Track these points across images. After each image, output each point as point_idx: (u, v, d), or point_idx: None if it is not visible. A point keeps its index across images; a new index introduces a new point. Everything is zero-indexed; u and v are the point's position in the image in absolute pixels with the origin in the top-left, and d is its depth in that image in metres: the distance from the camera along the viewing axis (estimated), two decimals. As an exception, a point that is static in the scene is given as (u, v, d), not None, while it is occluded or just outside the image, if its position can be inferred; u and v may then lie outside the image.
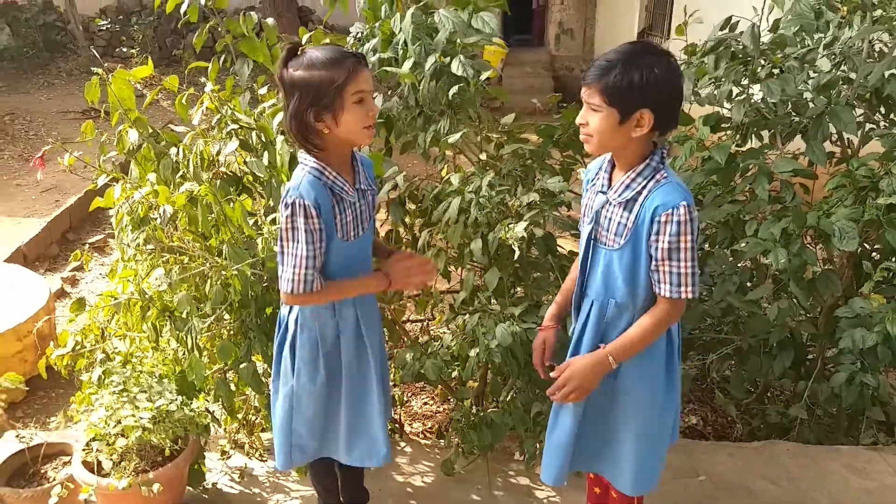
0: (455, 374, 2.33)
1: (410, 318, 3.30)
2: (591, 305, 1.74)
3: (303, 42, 2.29)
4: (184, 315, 2.12)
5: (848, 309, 2.46)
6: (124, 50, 11.17)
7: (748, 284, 2.77)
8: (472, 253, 2.25)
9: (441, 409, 3.39)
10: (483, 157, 2.43)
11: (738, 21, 2.86)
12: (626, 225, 1.62)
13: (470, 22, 2.43)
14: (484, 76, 2.31)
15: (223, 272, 2.02)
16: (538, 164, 2.63)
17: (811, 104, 2.66)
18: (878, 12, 2.68)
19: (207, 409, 2.29)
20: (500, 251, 2.25)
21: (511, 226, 2.02)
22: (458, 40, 2.44)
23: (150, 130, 2.28)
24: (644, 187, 1.59)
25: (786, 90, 2.55)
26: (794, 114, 2.71)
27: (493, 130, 2.74)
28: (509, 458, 2.46)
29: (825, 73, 2.67)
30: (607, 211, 1.67)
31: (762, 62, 2.70)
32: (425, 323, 3.34)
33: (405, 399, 3.24)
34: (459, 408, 2.31)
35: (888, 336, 2.34)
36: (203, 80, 2.35)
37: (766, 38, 2.75)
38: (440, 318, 2.79)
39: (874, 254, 2.65)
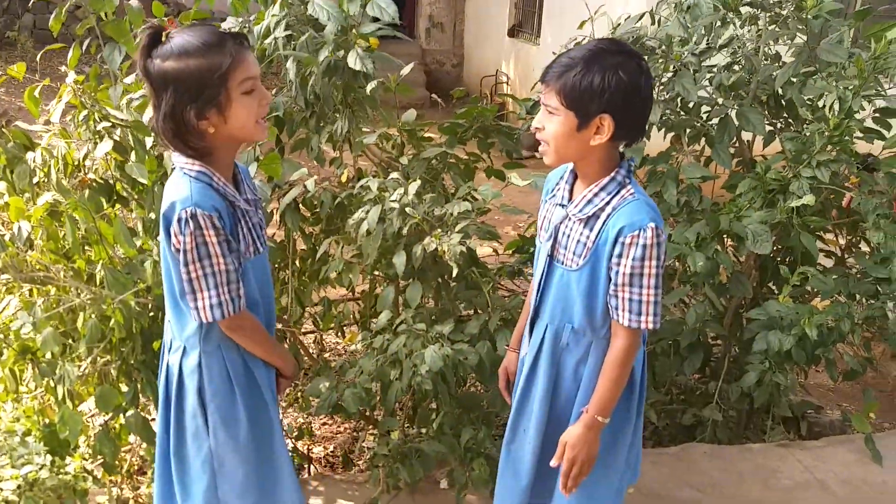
0: (374, 401, 2.10)
1: (305, 332, 3.02)
2: (546, 329, 1.58)
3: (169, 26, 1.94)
4: (48, 357, 1.74)
5: (762, 311, 2.48)
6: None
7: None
8: (394, 266, 2.03)
9: (342, 430, 3.14)
10: (404, 160, 2.20)
11: (643, 13, 2.81)
12: (585, 244, 1.47)
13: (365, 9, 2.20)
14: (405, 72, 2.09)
15: (98, 304, 1.66)
16: (446, 165, 2.45)
17: (715, 105, 2.68)
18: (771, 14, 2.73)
19: (85, 469, 1.91)
20: (423, 264, 2.05)
21: (446, 238, 1.81)
22: (355, 31, 2.21)
23: (-6, 128, 1.85)
24: (608, 203, 1.44)
25: (692, 90, 2.53)
26: (689, 116, 2.72)
27: (394, 129, 2.53)
28: (434, 489, 2.27)
29: (729, 73, 2.69)
30: (566, 227, 1.51)
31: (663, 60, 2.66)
32: (319, 338, 3.06)
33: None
34: (384, 440, 2.08)
35: (802, 337, 2.37)
36: (63, 68, 1.95)
37: (653, 32, 2.72)
38: (352, 336, 2.54)
39: (782, 256, 2.69)
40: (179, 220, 1.36)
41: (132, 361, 1.79)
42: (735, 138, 2.77)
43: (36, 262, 1.74)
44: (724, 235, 2.57)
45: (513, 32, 9.09)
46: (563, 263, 1.53)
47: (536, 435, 1.60)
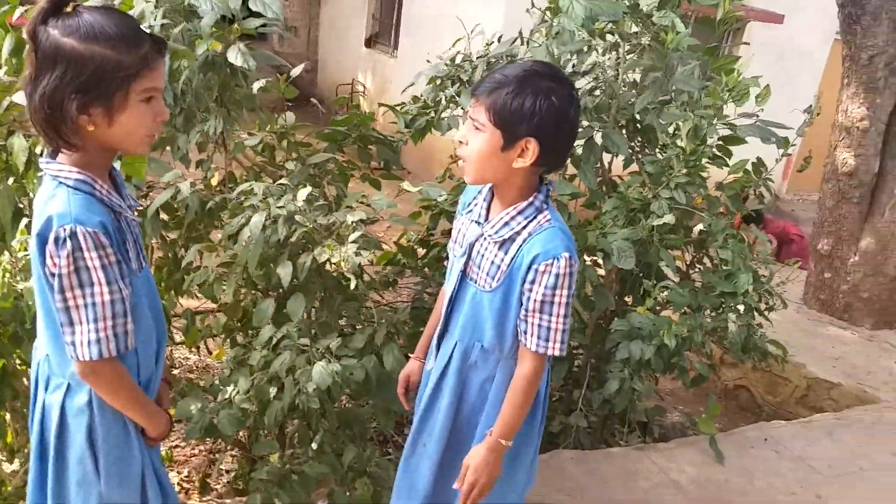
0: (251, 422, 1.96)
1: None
2: (455, 346, 1.56)
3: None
4: None
5: (624, 322, 2.63)
6: None
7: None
8: (274, 277, 1.91)
9: (196, 452, 2.92)
10: (290, 165, 2.09)
11: (520, 34, 2.90)
12: (500, 266, 1.46)
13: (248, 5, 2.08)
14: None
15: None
16: (325, 172, 2.37)
17: (582, 127, 2.81)
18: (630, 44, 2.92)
19: None
20: (308, 276, 1.95)
21: (342, 249, 1.73)
22: (236, 26, 2.08)
23: None
24: (524, 228, 1.43)
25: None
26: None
27: (267, 131, 2.41)
28: (312, 511, 2.16)
29: (592, 97, 2.84)
30: (481, 246, 1.50)
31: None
32: (170, 353, 2.84)
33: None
34: (261, 464, 1.94)
35: (661, 347, 2.54)
36: None
37: (523, 53, 2.83)
38: (220, 352, 2.36)
39: (639, 271, 2.87)
40: (56, 240, 1.17)
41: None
42: (598, 160, 2.93)
43: None
44: (588, 251, 2.70)
45: (370, 43, 9.06)
46: (476, 282, 1.51)
47: (437, 450, 1.57)
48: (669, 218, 2.46)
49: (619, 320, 2.70)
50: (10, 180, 1.65)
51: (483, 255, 1.49)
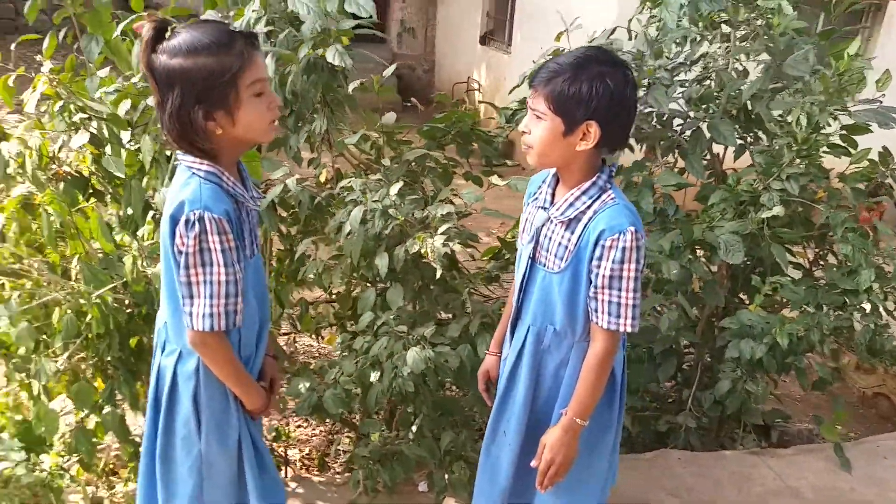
0: (355, 403, 2.08)
1: (284, 333, 2.96)
2: (528, 331, 1.59)
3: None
4: (25, 353, 1.68)
5: (734, 320, 2.53)
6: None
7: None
8: (375, 268, 2.01)
9: (317, 433, 3.10)
10: (386, 161, 2.19)
11: (615, 28, 2.87)
12: (567, 247, 1.49)
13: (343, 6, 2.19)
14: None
15: (78, 299, 1.61)
16: (425, 168, 2.45)
17: (688, 118, 2.74)
18: (742, 31, 2.80)
19: (61, 467, 1.85)
20: (404, 267, 2.04)
21: (429, 240, 1.81)
22: (333, 28, 2.20)
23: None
24: (589, 207, 1.47)
25: (663, 103, 2.59)
26: (663, 128, 2.78)
27: (373, 130, 2.53)
28: (413, 491, 2.25)
29: (697, 86, 2.75)
30: (548, 230, 1.53)
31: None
32: (292, 339, 3.03)
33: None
34: (364, 443, 2.05)
35: (774, 346, 2.42)
36: (38, 58, 1.90)
37: (629, 46, 2.78)
38: (331, 338, 2.51)
39: (753, 267, 2.75)
40: (187, 222, 1.32)
41: (108, 359, 1.74)
42: (706, 150, 2.84)
43: (10, 255, 1.69)
44: (697, 245, 2.63)
45: (484, 40, 9.15)
46: (545, 266, 1.54)
47: (516, 437, 1.61)
48: (779, 210, 2.35)
49: (729, 318, 2.60)
50: (144, 180, 1.85)
51: (550, 238, 1.52)
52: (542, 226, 1.54)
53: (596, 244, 1.43)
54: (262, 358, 1.58)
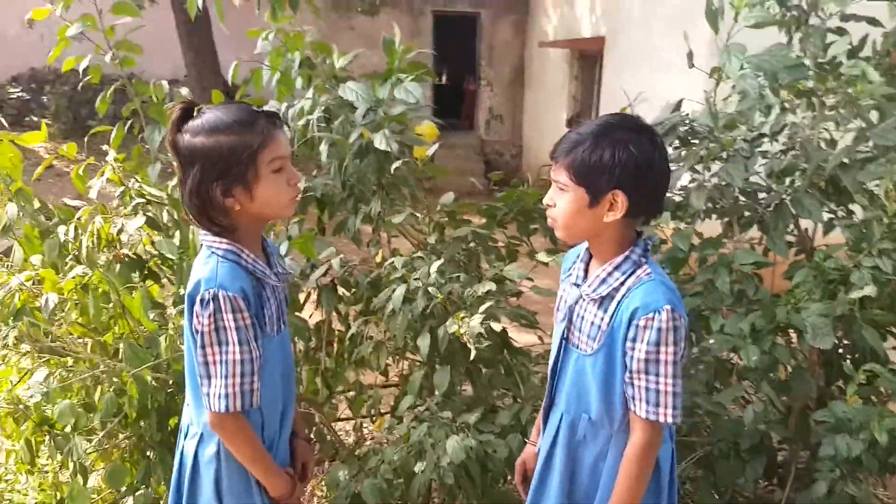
0: (398, 493, 1.97)
1: (340, 417, 2.92)
2: (561, 419, 1.47)
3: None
4: (67, 429, 1.71)
5: (827, 412, 2.26)
6: (35, 119, 10.59)
7: (717, 383, 2.57)
8: (418, 349, 1.95)
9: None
10: (431, 239, 2.16)
11: (681, 100, 2.77)
12: (599, 326, 1.38)
13: (393, 93, 2.22)
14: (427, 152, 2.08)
15: (116, 377, 1.64)
16: (483, 247, 2.39)
17: (771, 191, 2.57)
18: (831, 99, 2.64)
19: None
20: (451, 347, 1.96)
21: (465, 319, 1.73)
22: (383, 113, 2.22)
23: (38, 204, 1.91)
24: (622, 283, 1.36)
25: (737, 176, 2.44)
26: (748, 201, 2.61)
27: (433, 211, 2.51)
28: None
29: (779, 158, 2.59)
30: (581, 308, 1.43)
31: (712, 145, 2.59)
32: (359, 424, 2.97)
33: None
34: (403, 539, 1.94)
35: (873, 443, 2.14)
36: (104, 147, 2.02)
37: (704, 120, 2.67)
38: (381, 422, 2.44)
39: (842, 351, 2.48)
40: (202, 301, 1.33)
41: (147, 439, 1.74)
42: (793, 226, 2.64)
43: (60, 334, 1.75)
44: (784, 328, 2.40)
45: (570, 123, 9.20)
46: (577, 347, 1.44)
47: (550, 535, 1.45)
48: (871, 290, 2.11)
49: (821, 410, 2.33)
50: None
51: (583, 317, 1.42)
52: (575, 304, 1.45)
53: (630, 324, 1.32)
54: (286, 440, 1.53)
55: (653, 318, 1.29)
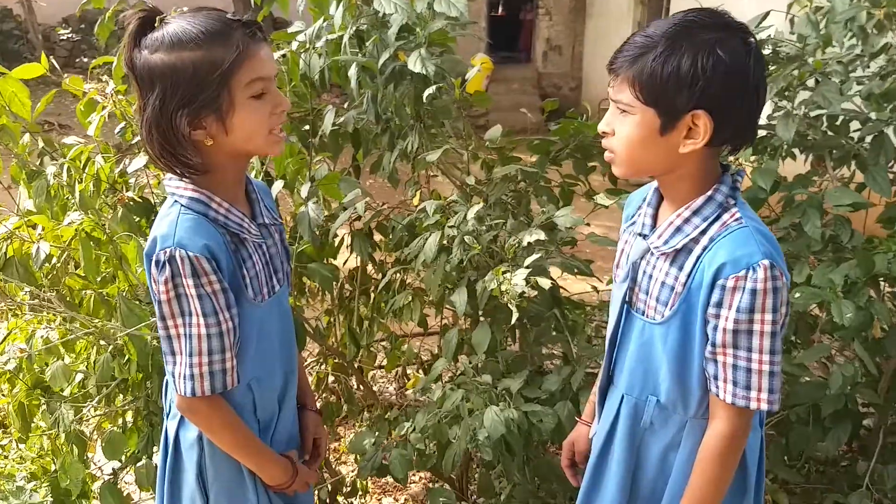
0: (430, 464, 1.78)
1: (377, 366, 2.74)
2: (622, 401, 1.20)
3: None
4: (66, 393, 1.55)
5: (933, 379, 1.94)
6: (85, 60, 10.59)
7: (795, 340, 2.27)
8: (455, 305, 1.72)
9: (416, 479, 2.83)
10: (471, 180, 1.90)
11: (767, 12, 2.38)
12: (674, 288, 1.10)
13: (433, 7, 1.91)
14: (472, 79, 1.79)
15: (102, 337, 1.46)
16: (534, 188, 2.11)
17: (868, 121, 2.19)
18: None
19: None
20: (492, 302, 1.72)
21: (507, 275, 1.48)
22: (419, 30, 1.92)
23: (29, 140, 1.72)
24: (703, 232, 1.07)
25: (835, 101, 2.08)
26: (842, 131, 2.25)
27: (480, 148, 2.23)
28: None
29: (882, 81, 2.20)
30: (648, 265, 1.15)
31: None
32: (396, 378, 2.78)
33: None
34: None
35: None
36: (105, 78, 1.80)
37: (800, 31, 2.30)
38: (416, 380, 2.25)
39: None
40: (158, 263, 1.10)
41: (149, 404, 1.58)
42: (893, 160, 2.27)
43: (55, 288, 1.58)
44: (881, 279, 2.07)
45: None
46: (643, 314, 1.16)
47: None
48: None
49: (923, 374, 2.01)
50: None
51: (651, 276, 1.13)
52: (641, 259, 1.16)
53: (713, 284, 1.04)
54: (290, 416, 1.33)
55: (745, 277, 1.01)
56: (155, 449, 1.62)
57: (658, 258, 1.12)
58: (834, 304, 1.95)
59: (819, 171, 2.27)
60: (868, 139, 2.16)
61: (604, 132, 1.10)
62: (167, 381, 1.26)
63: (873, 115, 2.15)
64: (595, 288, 2.22)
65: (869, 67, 2.31)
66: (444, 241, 1.65)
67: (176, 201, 1.15)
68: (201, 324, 1.11)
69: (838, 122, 2.27)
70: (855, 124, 2.24)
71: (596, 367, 1.78)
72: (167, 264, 1.09)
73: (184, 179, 1.15)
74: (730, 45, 0.98)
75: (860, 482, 2.21)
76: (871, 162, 2.12)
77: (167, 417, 1.28)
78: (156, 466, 1.57)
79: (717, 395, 1.08)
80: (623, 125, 1.06)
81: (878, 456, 2.21)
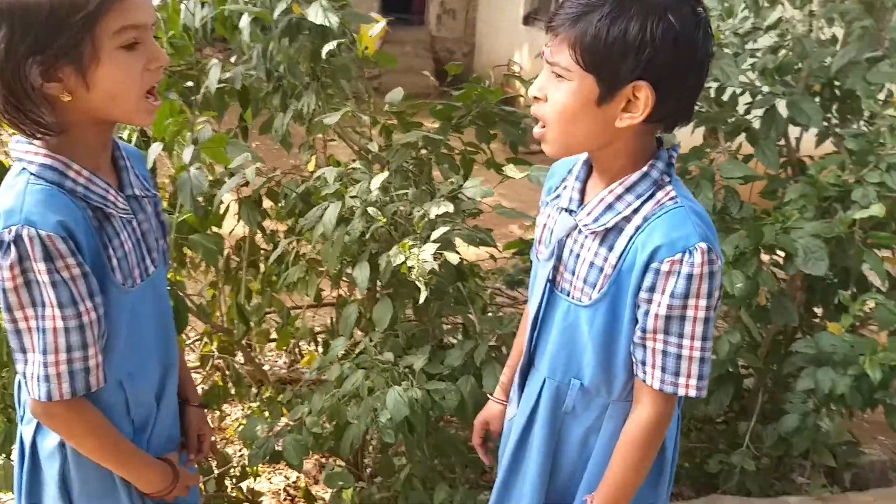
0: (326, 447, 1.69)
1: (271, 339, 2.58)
2: (544, 385, 1.15)
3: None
4: None
5: (811, 343, 2.05)
6: None
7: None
8: (354, 280, 1.62)
9: (307, 457, 2.73)
10: (373, 146, 1.78)
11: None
12: (602, 269, 1.04)
13: None
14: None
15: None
16: (436, 155, 2.03)
17: (757, 95, 2.26)
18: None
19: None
20: (394, 277, 1.63)
21: (415, 250, 1.39)
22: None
23: None
24: (636, 211, 1.01)
25: (732, 74, 2.12)
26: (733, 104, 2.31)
27: (379, 111, 2.11)
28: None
29: (775, 56, 2.27)
30: (575, 243, 1.08)
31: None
32: (287, 353, 2.65)
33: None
34: (334, 499, 1.66)
35: (858, 377, 1.94)
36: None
37: None
38: (310, 357, 2.13)
39: (833, 278, 2.26)
40: (1, 244, 0.93)
41: (7, 399, 1.38)
42: (781, 135, 2.35)
43: None
44: (766, 251, 2.15)
45: (528, 20, 8.65)
46: (569, 295, 1.10)
47: (527, 525, 1.18)
48: (878, 209, 1.86)
49: (804, 340, 2.12)
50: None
51: (578, 256, 1.07)
52: (567, 237, 1.10)
53: (646, 268, 0.99)
54: (170, 413, 1.19)
55: (681, 262, 0.96)
56: (14, 447, 1.42)
57: (586, 237, 1.06)
58: (725, 274, 2.00)
59: (712, 143, 2.33)
60: (759, 113, 2.23)
61: (535, 98, 1.01)
62: (19, 381, 1.09)
63: (765, 89, 2.21)
64: (493, 257, 2.19)
65: (756, 43, 2.37)
66: (344, 212, 1.53)
67: (24, 168, 0.97)
68: (57, 316, 0.94)
69: (725, 96, 2.33)
70: (745, 98, 2.31)
71: (498, 341, 1.74)
72: (12, 245, 0.92)
73: (34, 142, 0.97)
74: (681, 13, 0.92)
75: (741, 441, 2.33)
76: (762, 136, 2.19)
77: (21, 422, 1.11)
78: (12, 465, 1.38)
79: (645, 381, 1.04)
80: (557, 91, 0.98)
81: (758, 416, 2.34)
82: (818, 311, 2.43)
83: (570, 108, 0.97)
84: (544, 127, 1.01)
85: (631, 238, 1.01)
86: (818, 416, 2.13)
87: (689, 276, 0.96)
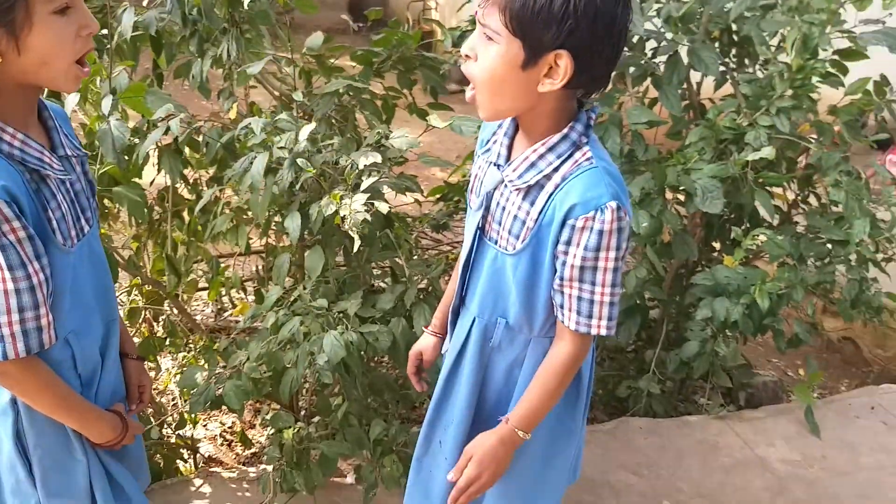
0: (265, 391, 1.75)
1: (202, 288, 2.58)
2: (473, 323, 1.25)
3: None
4: None
5: (709, 276, 2.24)
6: None
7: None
8: (285, 230, 1.65)
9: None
10: (298, 96, 1.79)
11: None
12: (525, 222, 1.13)
13: None
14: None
15: None
16: (359, 101, 2.06)
17: (662, 41, 2.37)
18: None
19: None
20: (325, 225, 1.68)
21: (346, 200, 1.44)
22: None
23: None
24: (556, 170, 1.09)
25: (638, 22, 2.23)
26: (639, 50, 2.42)
27: (299, 52, 2.10)
28: (340, 485, 1.97)
29: (678, 3, 2.38)
30: (502, 196, 1.17)
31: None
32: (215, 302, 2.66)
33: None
34: (275, 440, 1.74)
35: (751, 306, 2.15)
36: None
37: None
38: (243, 306, 2.16)
39: (729, 215, 2.45)
40: None
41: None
42: (683, 80, 2.49)
43: None
44: (669, 191, 2.31)
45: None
46: (496, 243, 1.19)
47: (454, 450, 1.29)
48: (769, 151, 2.03)
49: (702, 273, 2.32)
50: None
51: (504, 208, 1.16)
52: (494, 189, 1.18)
53: (563, 223, 1.08)
54: (114, 367, 1.23)
55: (593, 219, 1.06)
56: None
57: (512, 192, 1.14)
58: (633, 213, 2.15)
59: (620, 88, 2.44)
60: (662, 59, 2.35)
61: (465, 56, 1.07)
62: None
63: (669, 36, 2.33)
64: (417, 201, 2.25)
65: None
66: (272, 162, 1.56)
67: None
68: (7, 278, 0.96)
69: (634, 41, 2.43)
70: (651, 44, 2.42)
71: (427, 285, 1.83)
72: None
73: None
74: None
75: (648, 368, 2.54)
76: (666, 81, 2.31)
77: None
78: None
79: (563, 322, 1.15)
80: (486, 52, 1.03)
81: (662, 344, 2.55)
82: (716, 245, 2.63)
83: (498, 70, 1.03)
84: (475, 89, 1.08)
85: (550, 195, 1.10)
86: (716, 343, 2.34)
87: (601, 232, 1.06)
